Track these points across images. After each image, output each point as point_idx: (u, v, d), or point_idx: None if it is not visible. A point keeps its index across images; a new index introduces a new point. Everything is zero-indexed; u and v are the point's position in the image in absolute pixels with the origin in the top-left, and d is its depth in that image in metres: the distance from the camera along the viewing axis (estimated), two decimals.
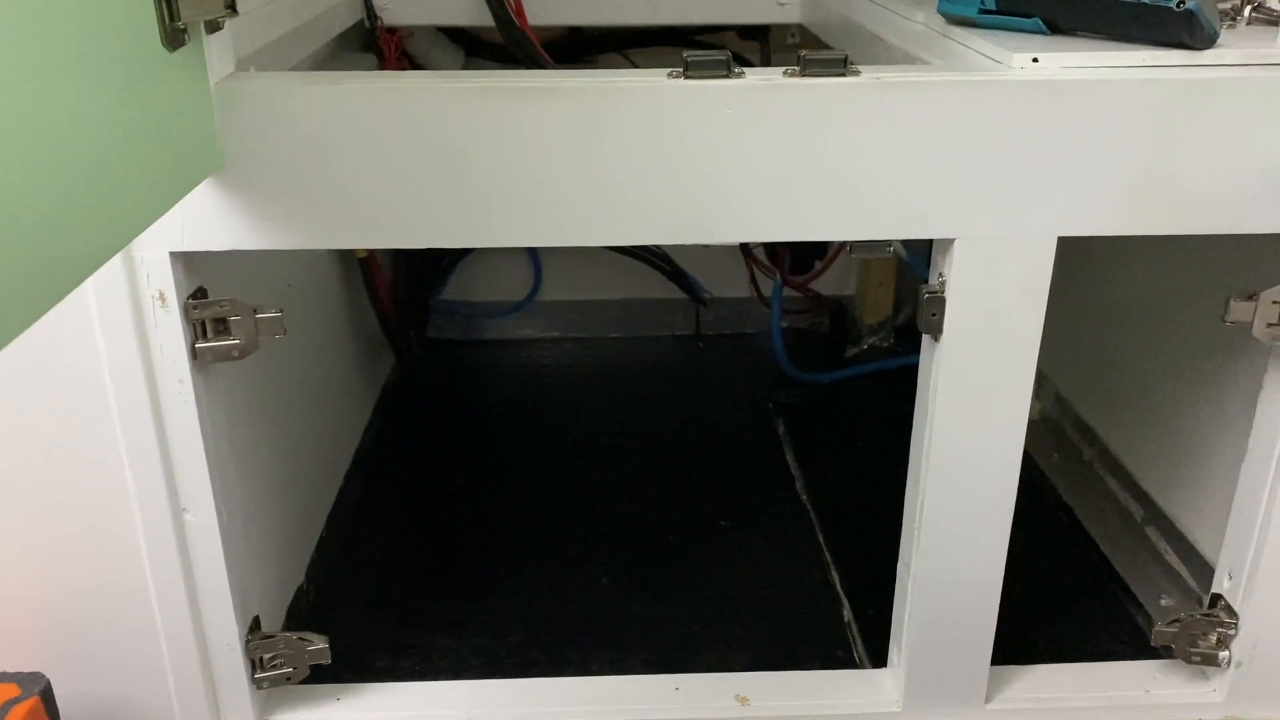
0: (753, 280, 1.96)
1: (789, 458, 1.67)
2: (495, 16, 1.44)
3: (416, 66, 1.69)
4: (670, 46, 1.71)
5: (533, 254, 2.00)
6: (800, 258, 1.92)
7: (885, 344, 1.98)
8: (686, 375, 1.98)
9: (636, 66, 1.77)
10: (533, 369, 1.99)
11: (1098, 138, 0.86)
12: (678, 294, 2.02)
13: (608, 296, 2.06)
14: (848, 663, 1.24)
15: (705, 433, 1.76)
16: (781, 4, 1.53)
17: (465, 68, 1.74)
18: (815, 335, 2.06)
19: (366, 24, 1.49)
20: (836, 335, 2.03)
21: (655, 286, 2.01)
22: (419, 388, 1.88)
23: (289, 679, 1.07)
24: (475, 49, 1.74)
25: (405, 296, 1.84)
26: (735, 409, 1.84)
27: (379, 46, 1.52)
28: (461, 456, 1.67)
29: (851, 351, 1.99)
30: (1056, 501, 1.55)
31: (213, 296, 0.93)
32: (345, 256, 1.60)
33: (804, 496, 1.57)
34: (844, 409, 1.84)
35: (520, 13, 1.46)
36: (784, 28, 1.67)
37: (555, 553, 1.43)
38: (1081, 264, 1.54)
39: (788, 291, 1.95)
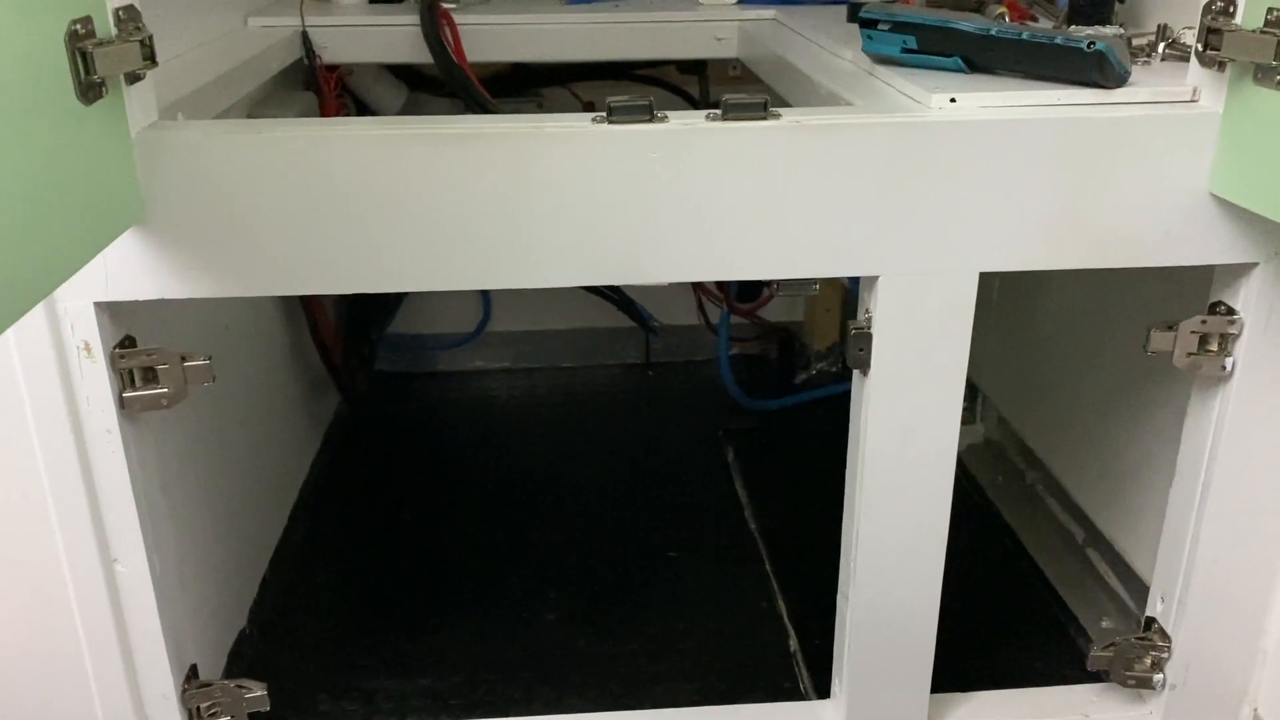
0: (701, 308, 1.97)
1: (738, 486, 1.68)
2: (434, 54, 1.44)
3: (359, 103, 1.69)
4: (612, 80, 1.73)
5: None
6: (747, 285, 1.93)
7: (833, 369, 2.00)
8: (637, 404, 1.98)
9: (580, 100, 1.79)
10: (483, 400, 1.98)
11: (1014, 175, 0.87)
12: (627, 323, 2.03)
13: (558, 326, 2.07)
14: (793, 693, 1.25)
15: (655, 462, 1.76)
16: (719, 39, 1.54)
17: (408, 103, 1.75)
18: (764, 362, 2.07)
19: (306, 63, 1.49)
20: (785, 362, 2.05)
21: (605, 316, 2.01)
22: (367, 423, 1.87)
23: None
24: (418, 84, 1.74)
25: (349, 333, 1.83)
26: (685, 437, 1.85)
27: (319, 85, 1.52)
28: (408, 492, 1.66)
29: (800, 378, 2.01)
30: (1000, 524, 1.56)
31: (145, 342, 0.93)
32: (286, 296, 1.59)
33: (752, 525, 1.57)
34: (793, 435, 1.85)
35: (459, 50, 1.47)
36: (724, 62, 1.69)
37: (502, 589, 1.43)
38: (1023, 291, 1.57)
39: (737, 319, 1.96)
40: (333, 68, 1.54)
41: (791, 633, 1.34)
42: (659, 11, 1.55)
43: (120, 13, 0.78)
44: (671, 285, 1.96)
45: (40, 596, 0.97)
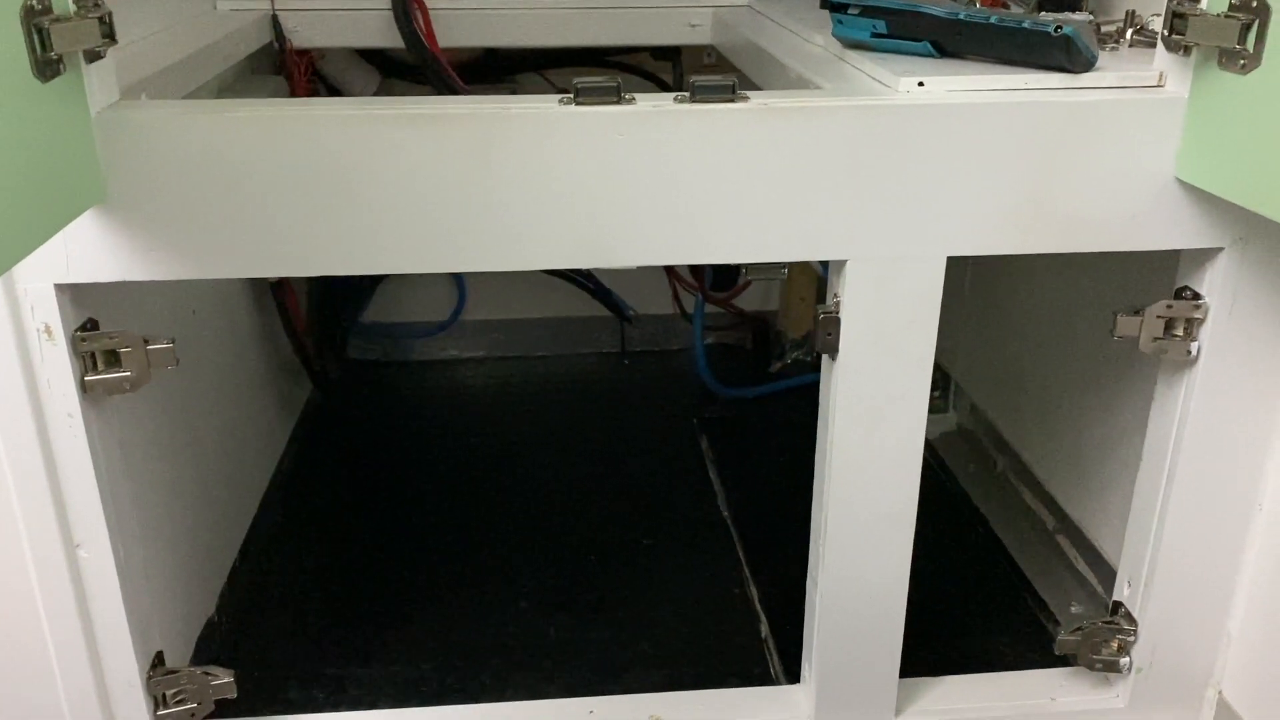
0: (676, 297, 1.97)
1: (712, 474, 1.68)
2: (405, 38, 1.44)
3: (330, 88, 1.68)
4: (587, 67, 1.72)
5: (456, 273, 2.00)
6: (722, 274, 1.93)
7: (808, 358, 2.00)
8: (612, 393, 1.98)
9: (554, 86, 1.78)
10: (457, 389, 1.98)
11: (981, 159, 0.88)
12: (603, 312, 2.03)
13: (533, 315, 2.06)
14: (764, 679, 1.25)
15: (630, 450, 1.76)
16: (693, 25, 1.54)
17: (381, 88, 1.73)
18: (739, 351, 2.07)
19: (276, 47, 1.48)
20: (760, 350, 2.05)
21: (580, 304, 2.01)
22: (339, 411, 1.86)
23: (193, 715, 1.05)
24: (390, 69, 1.73)
25: (320, 320, 1.82)
26: (660, 426, 1.84)
27: (289, 69, 1.51)
28: (381, 481, 1.65)
29: (775, 366, 2.01)
30: (972, 512, 1.57)
31: (110, 326, 0.92)
32: (256, 281, 1.58)
33: (725, 512, 1.57)
34: (768, 424, 1.85)
35: (430, 35, 1.46)
36: (699, 48, 1.69)
37: (474, 577, 1.42)
38: (995, 279, 1.57)
39: (712, 308, 1.96)
40: (303, 52, 1.53)
41: (763, 618, 1.34)
42: None
43: None
44: (646, 273, 1.96)
45: (1, 582, 0.96)
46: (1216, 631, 1.09)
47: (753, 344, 2.07)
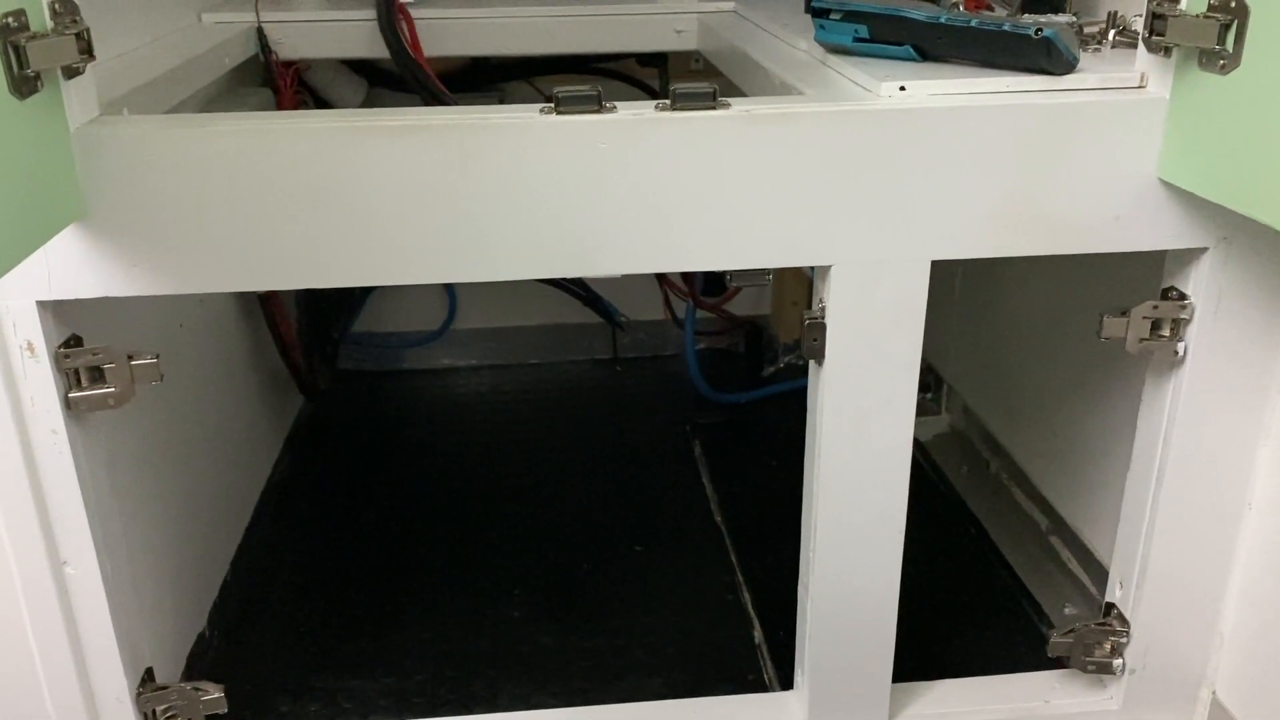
0: (667, 303, 1.97)
1: (705, 479, 1.68)
2: (390, 49, 1.43)
3: (317, 99, 1.67)
4: (573, 74, 1.72)
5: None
6: (713, 279, 1.93)
7: (800, 363, 2.00)
8: (604, 399, 1.97)
9: (541, 94, 1.78)
10: (449, 398, 1.97)
11: (963, 163, 0.87)
12: (594, 318, 2.03)
13: (524, 323, 2.06)
14: (758, 685, 1.25)
15: (622, 457, 1.76)
16: (679, 32, 1.54)
17: (368, 97, 1.73)
18: (732, 356, 2.07)
19: (261, 58, 1.48)
20: (752, 355, 2.05)
21: (572, 311, 2.01)
22: (331, 422, 1.86)
23: None
24: (377, 79, 1.73)
25: (310, 332, 1.82)
26: (652, 432, 1.84)
27: (275, 81, 1.51)
28: (373, 491, 1.65)
29: (768, 371, 2.01)
30: (965, 514, 1.57)
31: (94, 341, 0.91)
32: (244, 293, 1.57)
33: (718, 518, 1.57)
34: (761, 429, 1.85)
35: (416, 44, 1.46)
36: (686, 54, 1.69)
37: (467, 587, 1.42)
38: (986, 281, 1.57)
39: (703, 313, 1.96)
40: (289, 63, 1.52)
41: (756, 625, 1.34)
42: (619, 4, 1.54)
43: (56, 5, 0.77)
44: (638, 279, 1.96)
45: None
46: (1209, 631, 1.09)
47: (745, 349, 2.06)
